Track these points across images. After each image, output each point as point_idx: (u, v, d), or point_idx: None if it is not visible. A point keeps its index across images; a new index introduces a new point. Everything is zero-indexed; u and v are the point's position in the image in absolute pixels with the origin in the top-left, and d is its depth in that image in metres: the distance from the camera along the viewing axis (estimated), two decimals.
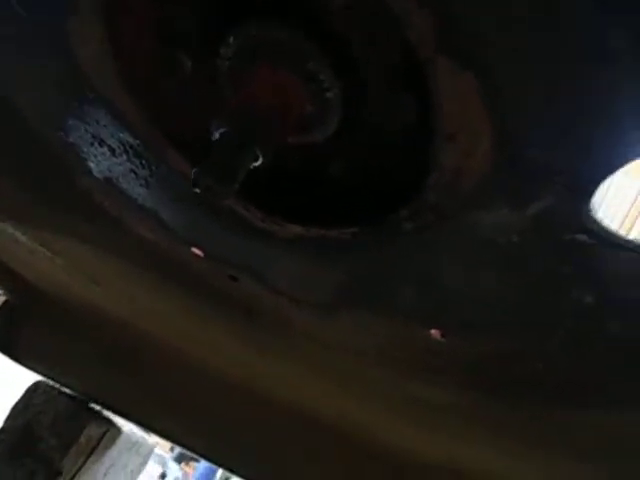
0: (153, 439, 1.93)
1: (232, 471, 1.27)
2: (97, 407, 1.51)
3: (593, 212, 0.42)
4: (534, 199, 0.43)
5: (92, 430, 1.38)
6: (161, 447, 4.10)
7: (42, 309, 1.46)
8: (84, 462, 1.39)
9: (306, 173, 0.61)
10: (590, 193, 0.40)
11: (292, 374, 1.08)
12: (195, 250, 0.86)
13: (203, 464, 4.37)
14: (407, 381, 0.87)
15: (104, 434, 1.43)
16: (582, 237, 0.44)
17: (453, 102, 0.39)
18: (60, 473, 1.31)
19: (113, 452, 1.50)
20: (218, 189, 0.43)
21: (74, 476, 1.36)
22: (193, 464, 4.47)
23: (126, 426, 1.68)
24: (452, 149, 0.43)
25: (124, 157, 0.72)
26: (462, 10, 0.33)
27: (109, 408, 1.41)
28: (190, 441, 1.25)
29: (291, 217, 0.63)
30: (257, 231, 0.68)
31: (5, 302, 1.42)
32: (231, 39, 0.48)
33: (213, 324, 1.12)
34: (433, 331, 0.72)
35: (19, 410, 1.37)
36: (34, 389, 1.42)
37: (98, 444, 1.43)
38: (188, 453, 3.79)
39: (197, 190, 0.44)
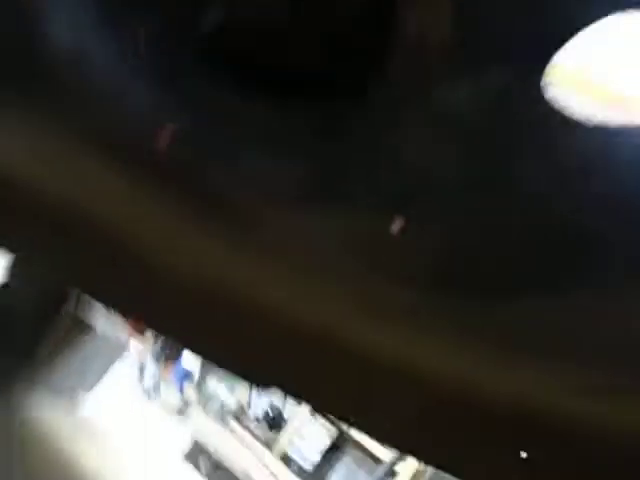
0: (126, 335, 2.01)
1: (197, 352, 1.32)
2: (72, 298, 1.55)
3: (546, 88, 0.42)
4: (492, 73, 0.43)
5: (66, 320, 1.42)
6: (139, 347, 4.27)
7: (8, 196, 1.43)
8: (60, 346, 1.45)
9: (267, 42, 0.59)
10: (542, 67, 0.40)
11: (257, 270, 1.11)
12: (161, 132, 0.84)
13: (179, 366, 4.59)
14: (371, 277, 0.90)
15: (78, 324, 1.48)
16: (537, 112, 0.44)
17: None
18: (36, 357, 1.37)
19: (89, 340, 1.57)
20: (175, 45, 0.41)
21: (49, 361, 1.43)
22: (170, 365, 4.69)
23: (100, 321, 1.74)
24: (412, 13, 0.41)
25: (88, 27, 0.68)
26: None
27: (79, 290, 1.43)
28: (159, 325, 1.30)
29: (260, 94, 0.61)
30: (223, 108, 0.67)
31: None
32: None
33: (179, 216, 1.12)
34: (398, 220, 0.74)
35: None
36: (11, 275, 1.45)
37: (72, 333, 1.48)
38: (167, 350, 3.95)
39: (155, 50, 0.41)
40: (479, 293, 0.79)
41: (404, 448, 1.30)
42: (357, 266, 0.84)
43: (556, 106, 0.44)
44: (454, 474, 1.10)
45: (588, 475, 0.88)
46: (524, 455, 0.95)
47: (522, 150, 0.48)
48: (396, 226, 0.74)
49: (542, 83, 0.42)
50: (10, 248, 1.40)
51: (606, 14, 0.37)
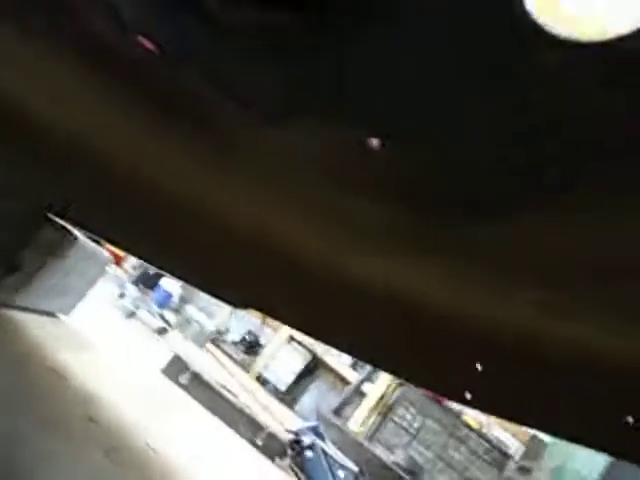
0: (108, 253, 2.04)
1: (169, 272, 1.36)
2: (53, 217, 1.55)
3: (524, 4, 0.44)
4: None
5: (49, 233, 1.44)
6: (120, 271, 4.33)
7: None
8: (43, 262, 1.48)
9: None
10: None
11: (234, 188, 1.12)
12: (146, 43, 0.83)
13: (159, 290, 4.69)
14: (344, 196, 0.93)
15: (61, 239, 1.50)
16: (516, 29, 0.46)
17: None
18: (18, 268, 1.40)
19: (71, 257, 1.59)
20: None
21: (33, 273, 1.46)
22: (149, 291, 4.79)
23: (82, 236, 1.76)
24: None
25: None
26: None
27: (61, 216, 1.45)
28: (138, 249, 1.32)
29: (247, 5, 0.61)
30: (206, 16, 0.66)
31: None
32: None
33: (162, 134, 1.11)
34: (373, 140, 0.77)
35: None
36: None
37: (55, 248, 1.50)
38: (147, 276, 3.98)
39: None
40: (444, 217, 0.83)
41: (369, 358, 1.39)
42: (328, 182, 0.87)
43: (533, 19, 0.46)
44: (416, 383, 1.19)
45: (535, 387, 0.98)
46: (479, 367, 1.04)
47: (493, 69, 0.51)
48: (370, 144, 0.76)
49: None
50: None
51: None
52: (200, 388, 2.35)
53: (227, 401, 2.37)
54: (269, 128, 0.86)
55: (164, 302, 4.62)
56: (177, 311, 5.06)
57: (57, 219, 1.57)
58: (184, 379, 2.36)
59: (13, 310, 1.54)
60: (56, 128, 1.22)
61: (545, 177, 0.65)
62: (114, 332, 2.85)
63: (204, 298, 5.09)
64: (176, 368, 2.43)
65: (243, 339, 5.89)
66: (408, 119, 0.67)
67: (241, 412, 2.37)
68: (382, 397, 4.63)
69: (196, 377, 2.39)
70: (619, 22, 0.43)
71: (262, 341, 5.85)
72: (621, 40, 0.43)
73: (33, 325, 1.64)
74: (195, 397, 2.37)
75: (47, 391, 1.44)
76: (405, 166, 0.77)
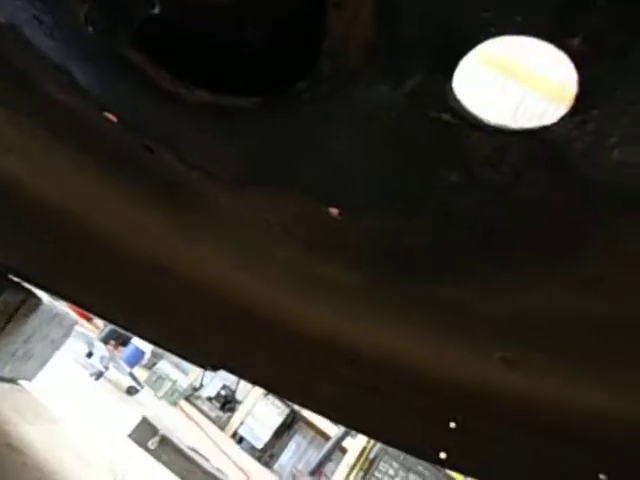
0: (73, 314, 1.98)
1: (138, 334, 1.34)
2: (14, 279, 1.51)
3: (455, 93, 0.48)
4: (407, 76, 0.48)
5: (9, 297, 1.40)
6: (89, 330, 4.19)
7: None
8: (3, 327, 1.43)
9: (212, 37, 0.61)
10: (451, 71, 0.45)
11: (203, 251, 1.13)
12: (108, 115, 0.85)
13: (130, 347, 4.54)
14: (308, 257, 0.95)
15: (23, 302, 1.46)
16: (446, 116, 0.50)
17: None
18: None
19: (33, 321, 1.54)
20: (110, 29, 0.44)
21: None
22: (121, 348, 4.63)
23: (46, 298, 1.71)
24: (339, 16, 0.46)
25: (26, 0, 0.68)
26: None
27: (25, 279, 1.42)
28: (106, 312, 1.30)
29: (198, 82, 0.64)
30: (167, 96, 0.69)
31: None
32: None
33: (130, 199, 1.13)
34: (332, 209, 0.79)
35: None
36: None
37: (17, 311, 1.45)
38: (117, 333, 3.86)
39: (90, 29, 0.44)
40: (413, 279, 0.85)
41: (343, 421, 1.37)
42: (293, 245, 0.88)
43: (461, 107, 0.50)
44: (392, 444, 1.18)
45: (508, 442, 0.97)
46: (453, 425, 1.03)
47: (432, 147, 0.54)
48: (332, 211, 0.79)
49: (449, 85, 0.48)
50: None
51: (496, 35, 0.43)
52: (170, 453, 2.25)
53: (198, 466, 2.26)
54: (232, 195, 0.88)
55: (135, 360, 4.47)
56: (149, 368, 4.89)
57: (20, 282, 1.53)
58: (153, 444, 2.26)
59: None
60: (25, 192, 1.23)
61: (498, 242, 0.68)
62: (80, 396, 2.72)
63: None
64: (144, 432, 2.32)
65: (218, 394, 5.70)
66: (357, 190, 0.70)
67: (213, 478, 2.26)
68: (363, 451, 4.49)
69: (166, 441, 2.28)
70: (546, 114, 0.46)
71: (238, 396, 5.67)
72: (546, 128, 0.47)
73: None
74: (164, 463, 2.26)
75: (2, 470, 1.36)
76: (366, 233, 0.79)
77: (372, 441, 4.74)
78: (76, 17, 0.67)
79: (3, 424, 1.55)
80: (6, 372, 1.58)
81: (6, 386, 1.79)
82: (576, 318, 0.73)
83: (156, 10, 0.48)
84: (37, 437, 1.69)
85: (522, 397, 0.92)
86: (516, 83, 0.64)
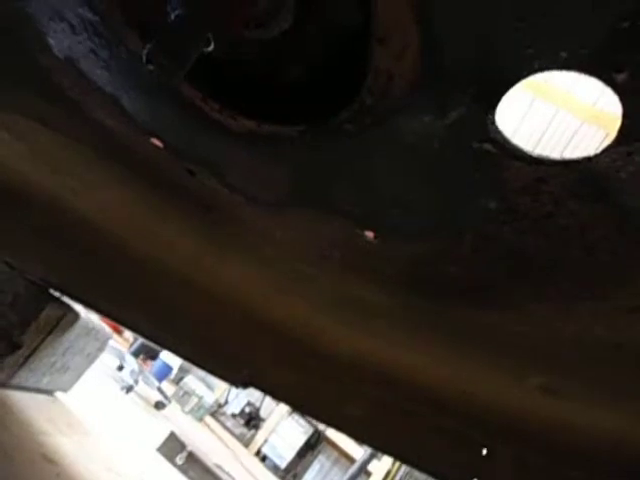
0: (109, 328, 2.04)
1: (168, 348, 1.36)
2: (55, 293, 1.57)
3: (497, 124, 0.49)
4: (450, 108, 0.49)
5: (51, 311, 1.45)
6: (120, 343, 4.28)
7: (2, 196, 1.45)
8: (43, 340, 1.48)
9: (260, 70, 0.64)
10: (494, 105, 0.46)
11: (240, 271, 1.15)
12: (155, 141, 0.89)
13: (159, 361, 4.60)
14: (344, 279, 0.96)
15: (62, 316, 1.51)
16: (487, 146, 0.51)
17: (386, 5, 0.44)
18: (20, 347, 1.40)
19: (71, 334, 1.60)
20: (169, 68, 0.47)
21: (34, 351, 1.46)
22: (149, 362, 4.70)
23: (83, 313, 1.77)
24: (384, 51, 0.47)
25: (84, 35, 0.73)
26: None
27: (66, 294, 1.47)
28: (139, 326, 1.33)
29: (245, 111, 0.67)
30: (213, 123, 0.72)
31: None
32: None
33: (170, 219, 1.16)
34: (368, 233, 0.80)
35: None
36: None
37: (57, 325, 1.51)
38: (147, 347, 3.92)
39: (150, 67, 0.47)
40: (449, 303, 0.85)
41: (372, 442, 1.36)
42: (328, 268, 0.90)
43: (501, 139, 0.51)
44: (419, 468, 1.17)
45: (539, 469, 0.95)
46: (485, 452, 1.02)
47: (472, 176, 0.55)
48: (367, 235, 0.80)
49: (491, 118, 0.49)
50: None
51: (540, 70, 0.44)
52: (197, 469, 2.26)
53: None
54: (270, 218, 0.90)
55: (164, 374, 4.53)
56: (176, 383, 4.94)
57: (60, 297, 1.59)
58: (180, 459, 2.27)
59: (11, 390, 1.52)
60: (69, 211, 1.28)
61: (536, 269, 0.68)
62: (111, 409, 2.77)
63: None
64: (172, 447, 2.35)
65: (243, 411, 5.70)
66: (395, 215, 0.71)
67: None
68: (388, 474, 4.41)
69: (193, 457, 2.30)
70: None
71: (262, 413, 5.66)
72: (589, 159, 0.47)
73: (28, 406, 1.61)
74: (191, 479, 2.27)
75: (36, 479, 1.39)
76: (403, 257, 0.80)
77: (397, 464, 4.64)
78: (130, 51, 0.71)
79: (38, 434, 1.60)
80: (44, 383, 1.63)
81: (42, 397, 1.84)
82: (615, 346, 0.72)
83: (211, 48, 0.51)
84: (70, 448, 1.73)
85: (557, 424, 0.90)
86: (559, 109, 0.64)
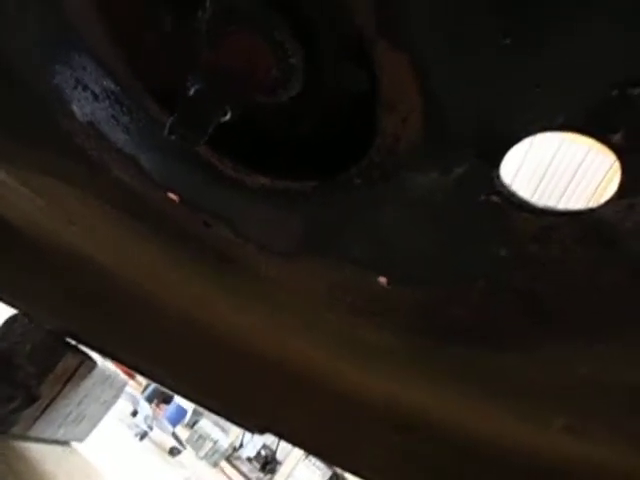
0: (124, 375, 2.04)
1: (184, 396, 1.37)
2: (72, 341, 1.59)
3: (502, 178, 0.51)
4: (455, 165, 0.52)
5: (68, 361, 1.47)
6: (133, 387, 4.25)
7: (21, 248, 1.50)
8: (60, 390, 1.49)
9: (272, 130, 0.68)
10: (497, 161, 0.49)
11: (254, 318, 1.17)
12: (171, 195, 0.93)
13: (173, 405, 4.56)
14: (356, 323, 0.97)
15: (79, 365, 1.53)
16: (494, 198, 0.53)
17: (391, 75, 0.47)
18: (38, 398, 1.41)
19: (88, 383, 1.61)
20: (190, 137, 0.50)
21: (51, 402, 1.47)
22: (163, 406, 4.66)
23: (100, 360, 1.78)
24: (390, 116, 0.51)
25: (106, 103, 0.78)
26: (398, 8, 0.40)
27: (82, 342, 1.49)
28: (155, 373, 1.34)
29: (258, 168, 0.71)
30: (228, 180, 0.75)
31: None
32: (208, 3, 0.54)
33: (186, 268, 1.19)
34: (381, 279, 0.82)
35: None
36: (12, 321, 1.50)
37: (74, 374, 1.52)
38: (160, 391, 3.90)
39: (172, 137, 0.51)
40: (454, 345, 0.86)
41: None
42: (340, 312, 0.91)
43: (507, 192, 0.53)
44: None
45: None
46: None
47: (480, 226, 0.57)
48: (380, 280, 0.82)
49: (496, 173, 0.52)
50: (10, 302, 1.46)
51: (540, 131, 0.47)
52: None
53: None
54: (282, 266, 0.93)
55: (178, 418, 4.47)
56: (191, 427, 4.87)
57: (76, 345, 1.61)
58: None
59: (28, 442, 1.52)
60: (85, 262, 1.32)
61: (546, 313, 0.69)
62: (126, 457, 2.74)
63: None
64: None
65: (258, 454, 5.58)
66: (405, 263, 0.73)
67: None
68: None
69: None
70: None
71: (279, 456, 5.53)
72: (593, 210, 0.49)
73: (45, 459, 1.60)
74: None
75: None
76: (414, 302, 0.81)
77: None
78: (149, 116, 0.75)
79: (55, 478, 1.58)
80: (60, 435, 1.63)
81: (59, 449, 1.84)
82: (631, 389, 0.72)
83: (228, 117, 0.54)
84: None
85: (585, 466, 0.89)
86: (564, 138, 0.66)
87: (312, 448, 1.35)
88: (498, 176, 0.51)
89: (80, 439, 1.84)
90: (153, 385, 4.18)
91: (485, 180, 0.52)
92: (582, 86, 0.41)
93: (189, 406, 4.68)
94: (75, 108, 0.85)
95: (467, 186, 0.54)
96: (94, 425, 1.83)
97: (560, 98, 0.42)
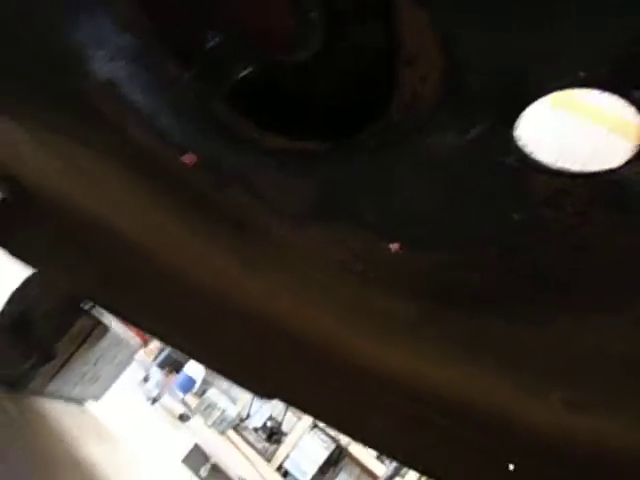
0: (137, 339, 2.09)
1: (196, 359, 1.38)
2: (88, 304, 1.63)
3: (518, 138, 0.51)
4: (473, 125, 0.52)
5: (84, 322, 1.51)
6: (146, 353, 4.35)
7: (39, 211, 1.51)
8: (76, 349, 1.54)
9: (291, 89, 0.68)
10: (515, 121, 0.49)
11: (266, 283, 1.18)
12: (189, 157, 0.93)
13: (182, 375, 4.65)
14: (367, 290, 0.98)
15: (94, 327, 1.57)
16: (510, 159, 0.53)
17: (411, 32, 0.46)
18: (54, 357, 1.45)
19: (103, 344, 1.65)
20: (207, 92, 0.50)
21: (66, 361, 1.51)
22: (173, 375, 4.76)
23: (114, 324, 1.82)
24: (410, 73, 0.50)
25: (124, 61, 0.78)
26: None
27: (99, 304, 1.52)
28: (168, 337, 1.37)
29: (276, 129, 0.71)
30: (245, 141, 0.76)
31: (3, 200, 1.49)
32: None
33: (200, 233, 1.20)
34: (393, 245, 0.82)
35: (16, 299, 1.49)
36: (29, 282, 1.53)
37: (89, 335, 1.56)
38: (171, 360, 3.98)
39: (191, 91, 0.51)
40: (466, 312, 0.86)
41: (397, 456, 1.36)
42: (357, 281, 0.92)
43: (527, 152, 0.53)
44: None
45: None
46: (512, 467, 1.01)
47: (495, 189, 0.57)
48: (392, 247, 0.82)
49: (512, 134, 0.52)
50: (29, 262, 1.48)
51: (559, 88, 0.46)
52: None
53: None
54: (296, 231, 0.93)
55: (188, 387, 4.57)
56: (199, 396, 4.98)
57: (92, 307, 1.64)
58: (204, 471, 2.30)
59: (44, 398, 1.58)
60: (103, 226, 1.33)
61: (559, 281, 0.69)
62: (137, 419, 2.82)
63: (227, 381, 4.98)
64: (197, 459, 2.37)
65: (265, 425, 5.69)
66: (419, 228, 0.73)
67: None
68: None
69: (216, 469, 2.32)
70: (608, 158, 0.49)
71: (284, 427, 5.64)
72: (611, 171, 0.49)
73: (60, 415, 1.66)
74: None
75: None
76: (426, 268, 0.81)
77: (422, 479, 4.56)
78: (167, 74, 0.75)
79: (70, 443, 1.64)
80: (76, 393, 1.69)
81: (73, 407, 1.90)
82: (635, 361, 0.72)
83: (247, 71, 0.55)
84: (99, 458, 1.77)
85: (584, 438, 0.90)
86: (582, 121, 0.65)
87: (319, 415, 1.37)
88: (515, 137, 0.51)
89: (95, 398, 1.90)
90: (164, 353, 4.27)
91: (502, 141, 0.52)
92: (604, 41, 0.40)
93: (198, 376, 4.77)
94: (93, 66, 0.85)
95: (483, 147, 0.54)
96: (108, 385, 1.89)
97: (582, 53, 0.41)
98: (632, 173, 0.47)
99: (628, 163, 0.47)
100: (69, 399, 1.69)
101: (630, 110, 0.52)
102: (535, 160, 0.52)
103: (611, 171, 0.49)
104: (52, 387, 1.53)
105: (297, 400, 1.35)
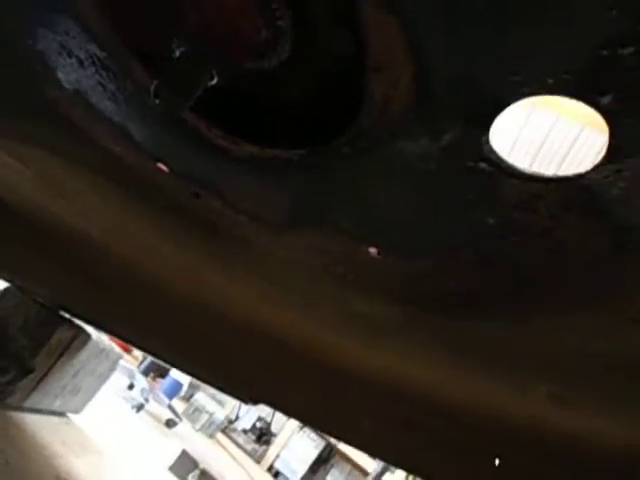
0: (119, 349, 2.06)
1: (178, 367, 1.37)
2: (66, 315, 1.60)
3: (491, 144, 0.51)
4: (445, 130, 0.51)
5: (62, 333, 1.48)
6: (130, 361, 4.29)
7: (10, 221, 1.48)
8: (55, 362, 1.50)
9: (261, 97, 0.67)
10: (486, 126, 0.48)
11: (247, 290, 1.17)
12: (160, 165, 0.92)
13: (169, 379, 4.61)
14: (348, 294, 0.98)
15: (74, 338, 1.54)
16: (483, 165, 0.53)
17: (380, 39, 0.46)
18: (32, 371, 1.42)
19: (82, 355, 1.62)
20: (174, 101, 0.49)
21: (45, 374, 1.48)
22: (159, 380, 4.71)
23: (95, 334, 1.79)
24: (380, 80, 0.50)
25: (92, 69, 0.76)
26: None
27: (73, 315, 1.49)
28: (147, 345, 1.35)
29: (246, 137, 0.70)
30: (217, 149, 0.74)
31: None
32: None
33: (176, 240, 1.18)
34: (371, 249, 0.82)
35: None
36: (5, 294, 1.49)
37: (68, 347, 1.53)
38: (156, 365, 3.93)
39: (156, 101, 0.50)
40: (445, 315, 0.87)
41: (385, 457, 1.36)
42: (332, 283, 0.91)
43: (496, 158, 0.53)
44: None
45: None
46: (497, 462, 1.02)
47: (469, 193, 0.57)
48: (371, 251, 0.82)
49: (485, 139, 0.51)
50: (3, 274, 1.44)
51: (528, 95, 0.46)
52: None
53: None
54: (274, 237, 0.92)
55: (174, 392, 4.53)
56: (187, 400, 4.94)
57: (70, 318, 1.61)
58: (193, 477, 2.28)
59: (24, 413, 1.54)
60: (76, 235, 1.31)
61: (534, 283, 0.69)
62: (122, 428, 2.78)
63: None
64: (184, 465, 2.35)
65: (254, 426, 5.67)
66: (394, 233, 0.73)
67: None
68: None
69: (205, 475, 2.30)
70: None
71: (274, 428, 5.63)
72: (581, 176, 0.49)
73: (42, 429, 1.63)
74: None
75: None
76: (404, 272, 0.81)
77: (411, 477, 4.60)
78: (136, 83, 0.74)
79: (52, 457, 1.61)
80: (56, 406, 1.65)
81: (55, 419, 1.86)
82: (617, 357, 0.73)
83: (214, 81, 0.53)
84: (83, 469, 1.74)
85: (567, 433, 0.91)
86: (556, 120, 0.65)
87: (307, 419, 1.36)
88: (487, 142, 0.51)
89: (76, 411, 1.87)
90: (149, 359, 4.22)
91: (474, 146, 0.52)
92: (572, 47, 0.40)
93: (185, 380, 4.73)
94: (60, 75, 0.83)
95: (456, 152, 0.53)
96: (90, 397, 1.85)
97: (549, 60, 0.41)
98: (599, 178, 0.47)
99: (595, 168, 0.47)
100: (50, 412, 1.66)
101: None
102: (508, 165, 0.52)
103: (580, 176, 0.49)
104: (31, 401, 1.50)
105: (283, 404, 1.35)
